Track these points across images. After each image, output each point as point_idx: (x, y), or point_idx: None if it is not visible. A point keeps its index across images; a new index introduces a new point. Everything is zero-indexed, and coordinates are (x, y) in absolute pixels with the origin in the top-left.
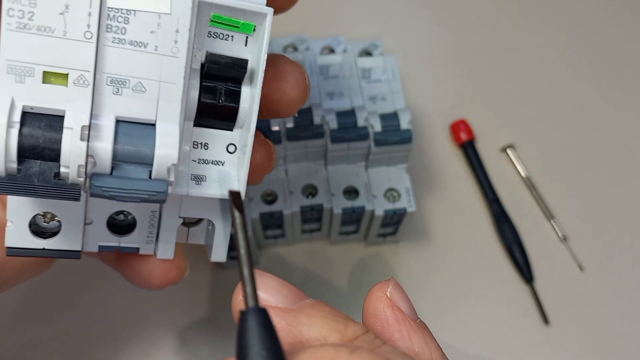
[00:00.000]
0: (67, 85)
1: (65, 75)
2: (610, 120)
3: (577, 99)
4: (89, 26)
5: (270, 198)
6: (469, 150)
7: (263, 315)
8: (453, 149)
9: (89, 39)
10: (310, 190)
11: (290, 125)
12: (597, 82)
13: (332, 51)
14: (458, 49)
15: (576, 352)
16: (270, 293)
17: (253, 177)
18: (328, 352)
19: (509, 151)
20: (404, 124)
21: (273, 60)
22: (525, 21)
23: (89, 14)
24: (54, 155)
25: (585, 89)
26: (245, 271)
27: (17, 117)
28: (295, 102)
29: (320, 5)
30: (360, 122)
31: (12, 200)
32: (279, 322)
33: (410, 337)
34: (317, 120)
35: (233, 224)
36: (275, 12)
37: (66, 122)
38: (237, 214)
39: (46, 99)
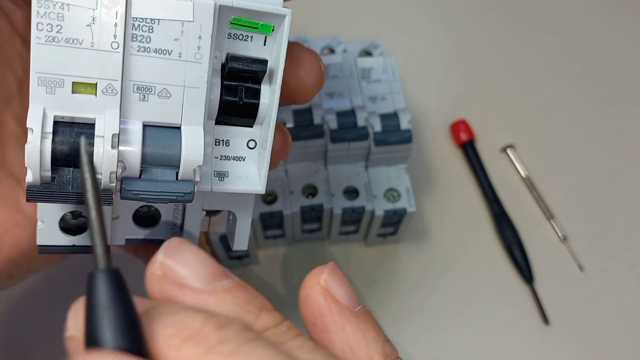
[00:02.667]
0: (95, 95)
1: (94, 85)
2: (610, 120)
3: (577, 99)
4: (115, 37)
5: (270, 198)
6: (469, 150)
7: (114, 277)
8: (453, 149)
9: (115, 49)
10: (310, 190)
11: (290, 125)
12: (597, 82)
13: (332, 51)
14: (458, 49)
15: (576, 352)
16: (184, 269)
17: (271, 163)
18: (194, 322)
19: (509, 151)
20: (404, 124)
21: (289, 47)
22: (525, 21)
23: (115, 25)
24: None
25: (585, 89)
26: (96, 228)
27: (49, 127)
28: (311, 88)
29: (320, 5)
30: (360, 122)
31: None
32: (185, 303)
33: (344, 328)
34: (317, 120)
35: (82, 176)
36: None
37: (97, 131)
38: (85, 159)
39: (76, 108)
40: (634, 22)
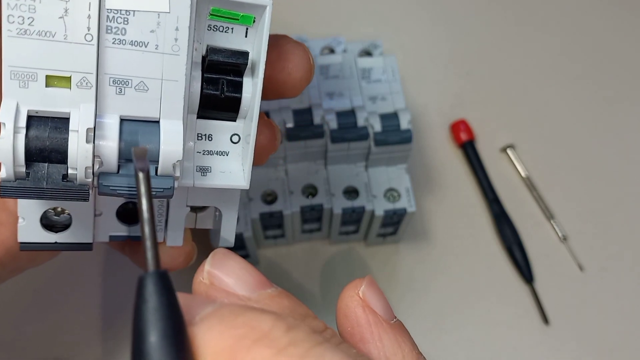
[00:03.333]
0: (70, 88)
1: (68, 78)
2: (610, 121)
3: (577, 99)
4: (89, 29)
5: (270, 198)
6: (469, 150)
7: (163, 280)
8: (453, 149)
9: (89, 41)
10: (310, 190)
11: (290, 125)
12: (597, 82)
13: (332, 51)
14: (458, 49)
15: (576, 352)
16: (231, 278)
17: (257, 158)
18: (264, 324)
19: (509, 151)
20: (404, 124)
21: (276, 40)
22: (525, 21)
23: (89, 17)
24: (61, 158)
25: (585, 89)
26: (147, 232)
27: (22, 122)
28: (300, 82)
29: (320, 5)
30: (360, 122)
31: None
32: None
33: (382, 339)
34: (317, 120)
35: (137, 185)
36: None
37: (71, 125)
38: (141, 175)
39: (50, 102)
40: (634, 22)
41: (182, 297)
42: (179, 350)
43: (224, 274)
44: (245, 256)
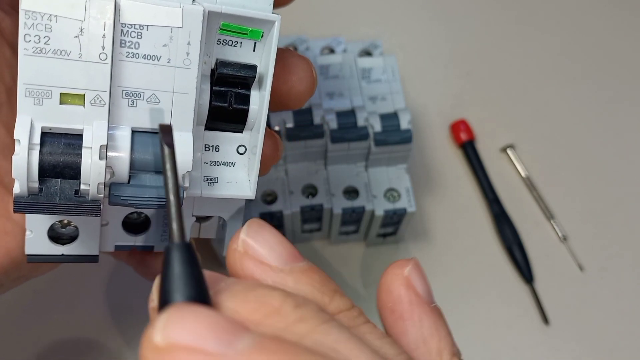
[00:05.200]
0: (84, 106)
1: (82, 96)
2: (611, 120)
3: (577, 99)
4: (103, 48)
5: (270, 198)
6: (469, 150)
7: (188, 251)
8: (453, 149)
9: (103, 60)
10: (310, 190)
11: (290, 125)
12: (598, 82)
13: (332, 51)
14: (458, 49)
15: (576, 352)
16: (265, 248)
17: (261, 168)
18: (274, 300)
19: (509, 151)
20: (404, 124)
21: (281, 54)
22: (525, 21)
23: (103, 36)
24: (74, 174)
25: (586, 89)
26: (172, 202)
27: (36, 138)
28: (303, 95)
29: (320, 5)
30: (360, 122)
31: None
32: (265, 280)
33: (421, 320)
34: (317, 120)
35: (162, 160)
36: (277, 6)
37: (85, 142)
38: (167, 150)
39: (64, 119)
40: (635, 22)
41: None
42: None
43: (259, 244)
44: None
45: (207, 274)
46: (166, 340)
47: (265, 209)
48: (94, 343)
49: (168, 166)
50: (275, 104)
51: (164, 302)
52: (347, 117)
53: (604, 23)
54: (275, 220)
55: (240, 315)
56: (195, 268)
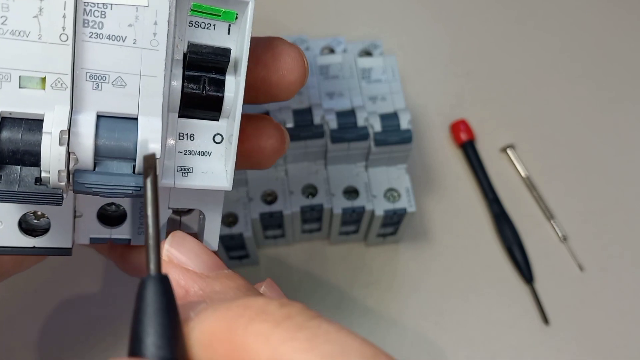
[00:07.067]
0: (44, 89)
1: (43, 79)
2: (611, 120)
3: (577, 99)
4: (64, 29)
5: (270, 198)
6: (469, 150)
7: (164, 284)
8: (453, 149)
9: (64, 41)
10: (310, 190)
11: (290, 125)
12: (597, 81)
13: (332, 51)
14: (458, 49)
15: (576, 352)
16: (189, 256)
17: (267, 161)
18: (257, 303)
19: (509, 151)
20: (404, 124)
21: (270, 42)
22: (525, 21)
23: (64, 16)
24: (35, 160)
25: (585, 89)
26: (151, 234)
27: None
28: (293, 85)
29: (320, 5)
30: (360, 122)
31: None
32: (192, 286)
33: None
34: (317, 120)
35: (144, 187)
36: None
37: (45, 127)
38: (149, 181)
39: (24, 103)
40: (635, 22)
41: (177, 299)
42: (174, 348)
43: (182, 253)
44: (245, 256)
45: (188, 300)
46: None
47: (265, 209)
48: (94, 342)
49: (150, 197)
50: (265, 95)
51: (134, 346)
52: (347, 117)
53: (604, 22)
54: (275, 220)
55: (223, 322)
56: (170, 305)
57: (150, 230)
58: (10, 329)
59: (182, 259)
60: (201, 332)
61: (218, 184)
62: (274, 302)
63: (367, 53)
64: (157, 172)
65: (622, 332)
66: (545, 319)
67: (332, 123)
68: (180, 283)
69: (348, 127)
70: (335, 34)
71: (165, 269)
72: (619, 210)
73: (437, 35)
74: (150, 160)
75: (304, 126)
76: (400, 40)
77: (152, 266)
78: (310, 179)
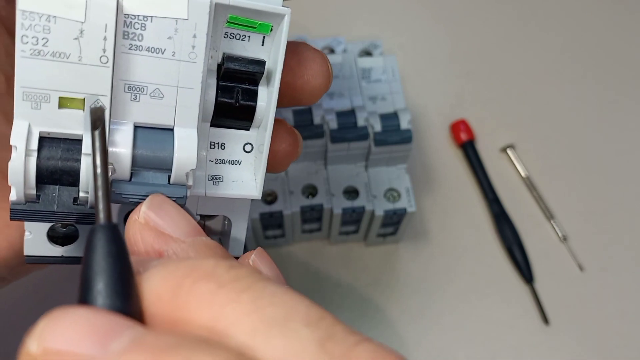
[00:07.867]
0: (83, 110)
1: (82, 100)
2: (611, 120)
3: (577, 99)
4: (104, 50)
5: (270, 198)
6: (469, 150)
7: (114, 232)
8: (453, 149)
9: (105, 63)
10: (310, 190)
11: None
12: (597, 82)
13: (332, 51)
14: (458, 49)
15: (576, 352)
16: (166, 220)
17: (279, 165)
18: (206, 265)
19: (509, 151)
20: (404, 124)
21: (295, 48)
22: (525, 21)
23: (105, 39)
24: (73, 180)
25: (586, 89)
26: (100, 185)
27: (34, 144)
28: (318, 90)
29: (320, 5)
30: (360, 122)
31: None
32: (166, 251)
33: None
34: (317, 120)
35: (92, 140)
36: None
37: (84, 148)
38: (97, 132)
39: (63, 124)
40: (635, 22)
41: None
42: (125, 296)
43: (160, 217)
44: None
45: (142, 256)
46: (40, 347)
47: (265, 208)
48: None
49: (98, 145)
50: (289, 100)
51: (85, 286)
52: (347, 117)
53: (605, 22)
54: (275, 220)
55: (169, 282)
56: (120, 253)
57: (100, 181)
58: (10, 328)
59: (159, 222)
60: (148, 290)
61: (248, 193)
62: (224, 264)
63: (367, 53)
64: (190, 182)
65: (622, 332)
66: (545, 319)
67: (332, 123)
68: (155, 247)
69: (348, 127)
70: (335, 34)
71: (141, 231)
72: (619, 210)
73: (437, 35)
74: (98, 112)
75: (304, 126)
76: (400, 40)
77: (102, 215)
78: (310, 179)
